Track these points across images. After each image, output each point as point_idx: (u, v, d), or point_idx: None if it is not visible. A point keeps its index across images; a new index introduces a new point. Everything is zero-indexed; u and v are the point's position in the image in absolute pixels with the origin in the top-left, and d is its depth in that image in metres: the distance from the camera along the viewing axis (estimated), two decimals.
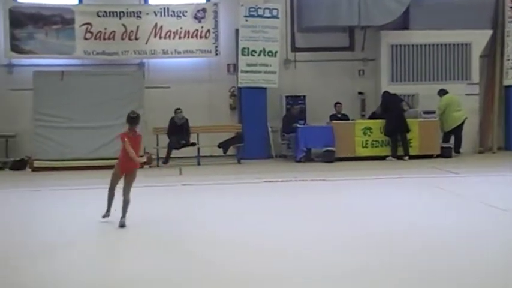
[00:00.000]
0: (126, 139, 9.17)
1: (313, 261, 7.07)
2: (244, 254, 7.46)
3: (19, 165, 17.59)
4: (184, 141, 17.92)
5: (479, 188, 12.47)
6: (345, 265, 6.85)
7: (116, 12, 18.73)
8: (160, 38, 18.87)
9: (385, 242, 7.94)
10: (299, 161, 17.64)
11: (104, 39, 18.71)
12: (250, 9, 18.77)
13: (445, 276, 6.43)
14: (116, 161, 9.63)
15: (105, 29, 18.68)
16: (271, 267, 6.85)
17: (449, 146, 18.45)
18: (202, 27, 19.02)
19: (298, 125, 18.08)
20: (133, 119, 9.32)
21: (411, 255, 7.27)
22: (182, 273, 6.69)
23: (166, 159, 17.76)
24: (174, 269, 6.86)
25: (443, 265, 6.80)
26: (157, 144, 17.96)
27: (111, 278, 6.58)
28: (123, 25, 18.73)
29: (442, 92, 18.75)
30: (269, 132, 19.07)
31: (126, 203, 9.14)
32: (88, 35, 18.64)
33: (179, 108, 18.08)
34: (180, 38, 18.95)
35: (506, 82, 20.02)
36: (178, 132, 17.92)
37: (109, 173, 9.75)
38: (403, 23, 19.67)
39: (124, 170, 9.37)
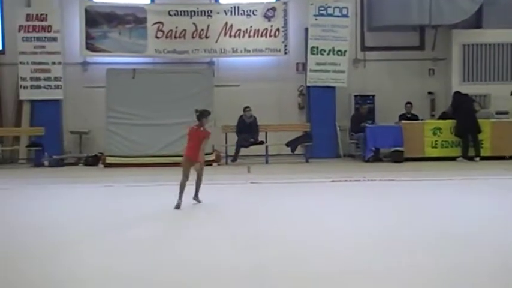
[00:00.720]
0: (188, 130, 10.71)
1: (373, 260, 7.06)
2: (301, 252, 7.47)
3: (92, 161, 18.05)
4: (252, 140, 18.06)
5: None
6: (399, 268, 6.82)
7: (187, 11, 19.01)
8: (230, 36, 19.06)
9: (449, 244, 7.85)
10: (367, 161, 17.55)
11: (175, 37, 19.01)
12: (320, 8, 18.77)
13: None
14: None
15: (176, 27, 18.99)
16: (328, 267, 6.87)
17: None
18: (271, 26, 19.12)
19: (366, 125, 17.98)
20: (197, 116, 10.65)
21: (479, 258, 7.17)
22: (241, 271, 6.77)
23: (235, 157, 17.92)
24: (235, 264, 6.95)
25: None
26: (226, 142, 18.14)
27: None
28: (194, 24, 18.99)
29: None
30: (337, 132, 19.03)
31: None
32: (159, 34, 18.97)
33: (248, 107, 18.23)
34: (249, 36, 19.09)
35: None
36: (247, 130, 18.06)
37: (179, 170, 10.21)
38: (475, 21, 19.33)
39: (189, 156, 10.50)
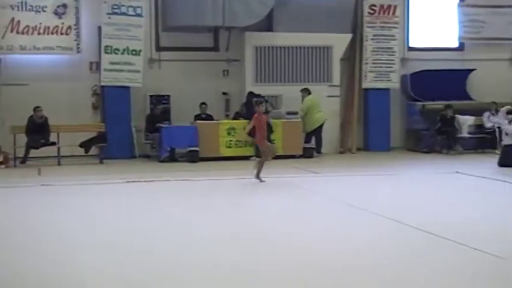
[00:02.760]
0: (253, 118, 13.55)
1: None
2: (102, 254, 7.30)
3: None
4: (43, 141, 17.32)
5: (338, 187, 12.87)
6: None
7: None
8: (17, 33, 18.07)
9: (250, 244, 7.99)
10: (163, 161, 17.51)
11: None
12: (114, 7, 18.39)
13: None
14: None
15: None
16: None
17: (311, 146, 18.89)
18: (63, 23, 18.41)
19: (162, 125, 17.93)
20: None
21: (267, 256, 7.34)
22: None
23: (24, 159, 17.11)
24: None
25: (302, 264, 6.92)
26: (15, 144, 17.22)
27: None
28: None
29: (307, 92, 19.07)
30: (133, 132, 18.78)
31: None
32: None
33: (39, 107, 17.44)
34: (39, 33, 18.24)
35: (365, 85, 20.67)
36: (38, 131, 17.28)
37: None
38: (267, 25, 19.88)
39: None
